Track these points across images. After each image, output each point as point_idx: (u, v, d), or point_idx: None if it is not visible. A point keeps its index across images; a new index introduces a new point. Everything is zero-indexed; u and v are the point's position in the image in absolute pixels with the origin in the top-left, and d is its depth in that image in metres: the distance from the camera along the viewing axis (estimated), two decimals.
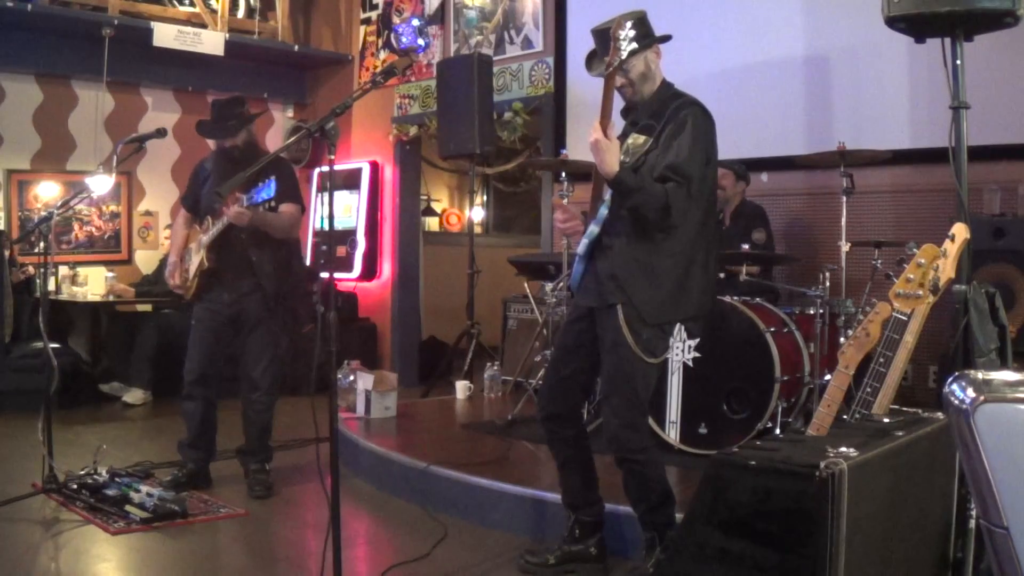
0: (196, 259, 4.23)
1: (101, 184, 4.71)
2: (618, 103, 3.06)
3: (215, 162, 4.34)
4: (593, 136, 2.84)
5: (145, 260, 7.61)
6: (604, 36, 2.93)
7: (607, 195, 3.00)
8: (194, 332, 4.29)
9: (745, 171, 5.01)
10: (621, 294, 2.94)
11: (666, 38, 3.10)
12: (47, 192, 7.16)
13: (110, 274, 6.80)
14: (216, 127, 4.25)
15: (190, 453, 4.30)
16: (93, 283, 6.80)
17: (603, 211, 3.02)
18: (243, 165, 3.55)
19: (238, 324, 4.25)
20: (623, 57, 2.83)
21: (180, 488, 4.11)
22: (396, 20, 7.71)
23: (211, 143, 4.40)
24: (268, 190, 3.79)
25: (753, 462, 2.05)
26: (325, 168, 2.74)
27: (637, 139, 3.03)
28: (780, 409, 3.98)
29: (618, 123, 3.05)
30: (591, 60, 3.13)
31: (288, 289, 4.34)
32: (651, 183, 2.87)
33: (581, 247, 3.09)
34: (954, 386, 1.21)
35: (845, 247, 4.26)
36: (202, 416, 4.27)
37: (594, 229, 3.04)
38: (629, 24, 2.83)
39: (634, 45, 2.86)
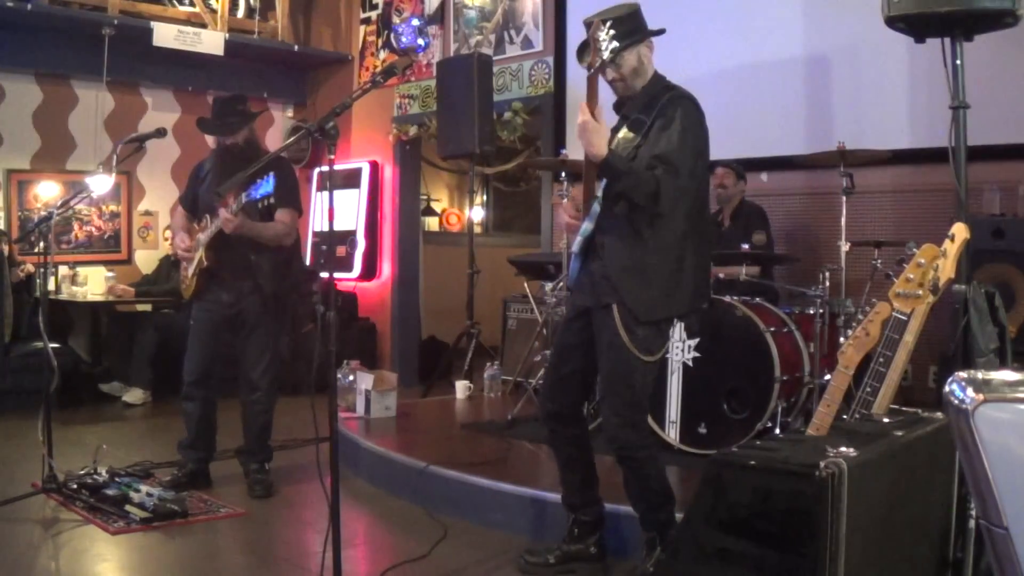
0: (196, 257, 4.23)
1: (101, 184, 4.71)
2: (611, 96, 3.06)
3: (215, 161, 4.34)
4: (580, 118, 2.82)
5: (145, 260, 7.61)
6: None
7: (599, 191, 2.99)
8: (193, 332, 4.29)
9: (743, 171, 5.02)
10: (615, 294, 2.94)
11: (660, 32, 3.09)
12: (47, 192, 7.16)
13: (110, 274, 6.80)
14: (217, 124, 4.25)
15: (190, 453, 4.30)
16: (93, 283, 6.80)
17: (596, 208, 3.02)
18: (243, 164, 3.55)
19: (237, 325, 4.25)
20: (604, 58, 2.82)
21: (180, 488, 4.12)
22: (396, 20, 7.71)
23: (211, 142, 4.40)
24: (266, 186, 3.78)
25: (753, 462, 2.05)
26: (325, 168, 2.74)
27: (627, 134, 3.02)
28: (780, 409, 3.98)
29: (610, 117, 3.04)
30: (582, 51, 3.12)
31: (287, 289, 4.34)
32: (640, 168, 2.86)
33: (576, 245, 3.09)
34: (954, 386, 1.21)
35: (845, 247, 4.26)
36: (201, 416, 4.27)
37: (588, 226, 3.04)
38: (608, 24, 2.81)
39: (615, 44, 2.85)
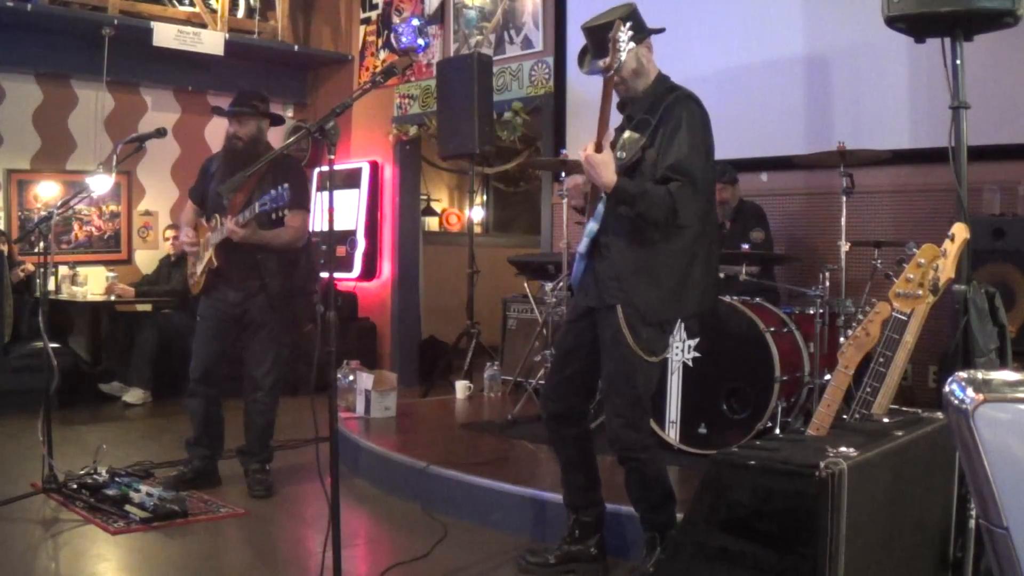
0: (205, 256, 4.24)
1: (101, 184, 4.71)
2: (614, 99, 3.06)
3: (222, 158, 4.34)
4: (583, 154, 2.83)
5: (145, 260, 7.61)
6: (595, 33, 2.92)
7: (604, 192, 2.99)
8: (199, 329, 4.30)
9: (734, 173, 4.95)
10: (621, 294, 2.93)
11: (658, 31, 3.09)
12: (47, 192, 7.15)
13: (111, 274, 6.80)
14: (230, 110, 4.27)
15: (196, 450, 4.31)
16: (93, 283, 6.81)
17: (600, 208, 3.02)
18: (247, 161, 3.55)
19: (242, 324, 4.25)
20: (622, 59, 2.81)
21: (186, 486, 4.15)
22: (396, 20, 7.71)
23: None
24: (281, 198, 3.77)
25: (753, 462, 2.05)
26: (325, 168, 2.74)
27: (633, 135, 3.02)
28: (780, 409, 3.99)
29: (615, 118, 3.04)
30: (583, 57, 3.12)
31: (293, 290, 4.33)
32: (652, 187, 2.85)
33: (581, 246, 3.08)
34: (954, 386, 1.21)
35: (845, 247, 4.26)
36: (207, 413, 4.28)
37: (593, 227, 3.03)
38: (627, 24, 2.81)
39: (632, 45, 2.84)
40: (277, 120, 4.52)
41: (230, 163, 4.13)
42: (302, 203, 4.20)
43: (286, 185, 3.79)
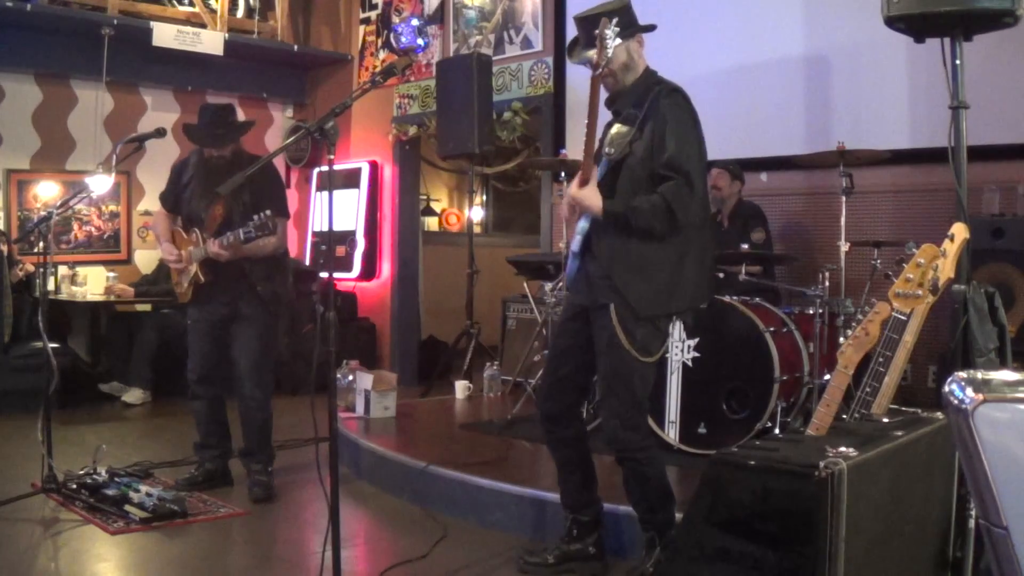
0: (191, 271, 4.21)
1: (100, 184, 4.71)
2: (603, 94, 3.06)
3: (198, 170, 4.25)
4: (570, 194, 2.95)
5: (144, 260, 7.60)
6: (587, 23, 2.92)
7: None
8: (191, 332, 4.30)
9: (739, 171, 5.00)
10: (614, 294, 2.93)
11: (650, 28, 3.09)
12: (46, 192, 7.15)
13: (111, 274, 6.80)
14: (205, 135, 4.18)
15: (204, 452, 4.32)
16: (93, 283, 6.80)
17: None
18: (230, 174, 3.52)
19: (231, 324, 4.24)
20: (609, 56, 2.81)
21: (199, 488, 4.15)
22: (395, 20, 7.71)
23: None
24: (266, 227, 3.80)
25: (753, 462, 2.05)
26: (325, 168, 2.75)
27: (620, 129, 3.02)
28: (779, 409, 3.98)
29: (604, 114, 3.04)
30: (573, 47, 3.12)
31: (281, 289, 4.32)
32: (639, 199, 2.86)
33: (574, 244, 3.08)
34: (953, 386, 1.21)
35: (844, 247, 4.26)
36: (209, 414, 4.28)
37: (584, 224, 3.04)
38: (615, 21, 2.81)
39: (618, 41, 2.84)
40: (248, 127, 4.44)
41: (212, 177, 4.04)
42: (279, 210, 4.15)
43: (268, 212, 3.80)
